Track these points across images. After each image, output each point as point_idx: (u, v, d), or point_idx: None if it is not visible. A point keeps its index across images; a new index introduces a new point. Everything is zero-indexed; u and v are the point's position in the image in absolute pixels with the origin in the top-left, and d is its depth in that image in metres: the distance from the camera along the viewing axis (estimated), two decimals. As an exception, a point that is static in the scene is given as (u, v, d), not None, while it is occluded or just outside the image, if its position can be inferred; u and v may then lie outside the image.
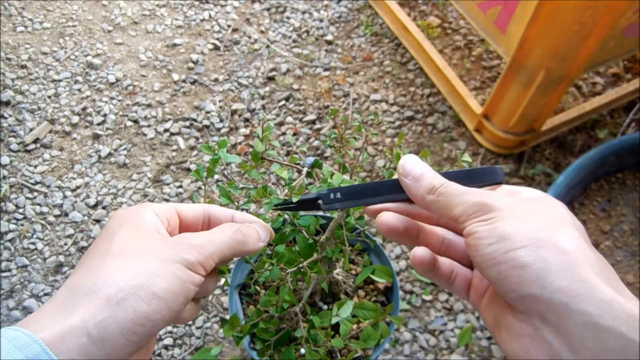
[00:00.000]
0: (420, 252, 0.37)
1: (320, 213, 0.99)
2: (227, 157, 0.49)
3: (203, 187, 0.52)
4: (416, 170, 0.36)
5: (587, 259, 0.28)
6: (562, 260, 0.28)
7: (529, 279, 0.28)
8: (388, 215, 0.37)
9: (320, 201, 0.40)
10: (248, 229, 0.40)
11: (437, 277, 0.37)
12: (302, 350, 0.59)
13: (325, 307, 0.73)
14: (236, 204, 0.50)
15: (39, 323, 0.31)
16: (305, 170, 0.53)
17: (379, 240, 0.82)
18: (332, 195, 0.39)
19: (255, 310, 0.58)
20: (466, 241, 0.32)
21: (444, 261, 0.38)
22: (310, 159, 0.52)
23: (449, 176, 0.36)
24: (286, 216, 0.54)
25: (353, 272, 0.80)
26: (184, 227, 0.41)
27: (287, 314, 0.64)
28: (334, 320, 0.62)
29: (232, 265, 0.70)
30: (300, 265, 0.53)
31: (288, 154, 1.28)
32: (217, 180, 1.22)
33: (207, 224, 0.42)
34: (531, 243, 0.29)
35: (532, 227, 0.30)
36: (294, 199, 0.42)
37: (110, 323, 0.31)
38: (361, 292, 0.79)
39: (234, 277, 0.79)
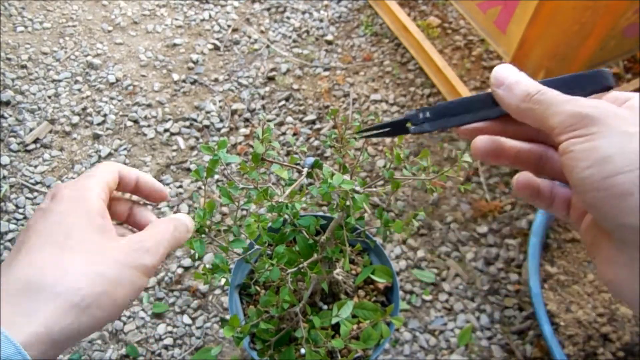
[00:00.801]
0: (523, 177, 0.34)
1: (321, 213, 0.99)
2: (227, 157, 0.48)
3: (203, 187, 0.52)
4: (510, 78, 0.33)
5: None
6: None
7: (629, 208, 0.25)
8: (482, 139, 0.34)
9: (408, 124, 0.38)
10: (182, 224, 0.41)
11: (538, 200, 0.35)
12: (302, 351, 0.59)
13: (325, 307, 0.73)
14: (237, 203, 0.50)
15: (3, 322, 0.30)
16: (305, 170, 0.53)
17: (379, 240, 0.82)
18: (420, 115, 0.37)
19: (255, 310, 0.59)
20: (561, 159, 0.29)
21: (544, 182, 0.35)
22: (311, 160, 0.52)
23: (549, 84, 0.32)
24: (286, 216, 0.54)
25: (353, 272, 0.80)
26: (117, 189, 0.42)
27: (287, 314, 0.64)
28: (334, 321, 0.62)
29: (232, 265, 0.70)
30: (301, 265, 0.53)
31: (288, 154, 1.28)
32: (217, 180, 1.22)
33: (118, 184, 0.42)
34: (635, 167, 0.25)
35: (637, 148, 0.26)
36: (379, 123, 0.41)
37: (74, 329, 0.32)
38: (361, 292, 0.79)
39: (234, 277, 0.79)
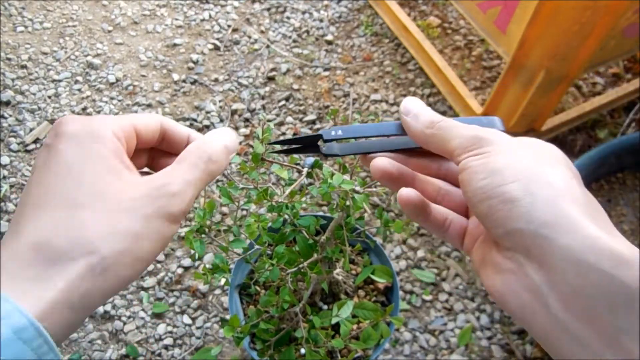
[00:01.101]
0: (406, 191, 0.36)
1: (321, 213, 0.98)
2: None
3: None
4: (417, 108, 0.36)
5: (576, 196, 0.28)
6: (551, 194, 0.28)
7: (517, 213, 0.28)
8: (382, 160, 0.37)
9: (320, 142, 0.39)
10: (217, 152, 0.35)
11: (428, 223, 0.37)
12: (303, 350, 0.59)
13: (325, 307, 0.73)
14: (237, 203, 0.50)
15: (18, 284, 0.27)
16: (305, 170, 0.53)
17: (379, 240, 0.82)
18: (333, 132, 0.38)
19: (255, 310, 0.58)
20: (460, 177, 0.32)
21: (438, 208, 0.37)
22: (311, 160, 0.52)
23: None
24: (286, 216, 0.54)
25: (353, 272, 0.80)
26: (140, 143, 0.35)
27: (287, 314, 0.64)
28: (334, 321, 0.62)
29: (232, 265, 0.70)
30: (301, 265, 0.53)
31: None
32: (218, 180, 1.22)
33: (162, 139, 0.37)
34: (522, 178, 0.29)
35: (525, 163, 0.30)
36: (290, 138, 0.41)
37: (94, 293, 0.28)
38: (361, 292, 0.79)
39: (234, 277, 0.78)
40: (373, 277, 0.78)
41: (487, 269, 0.32)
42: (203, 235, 0.49)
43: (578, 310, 0.26)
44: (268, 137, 0.48)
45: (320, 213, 1.00)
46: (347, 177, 0.51)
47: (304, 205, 0.52)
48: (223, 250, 0.50)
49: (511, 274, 0.29)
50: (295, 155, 0.57)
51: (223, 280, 0.48)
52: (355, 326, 0.71)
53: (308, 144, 0.40)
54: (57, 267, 0.28)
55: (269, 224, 0.52)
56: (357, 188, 0.51)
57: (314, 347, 0.57)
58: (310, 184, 0.56)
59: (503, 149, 0.31)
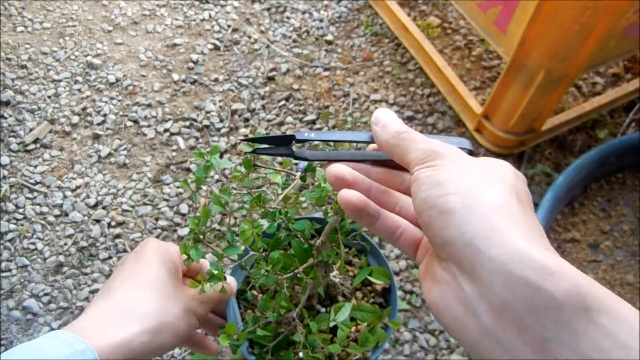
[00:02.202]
0: (347, 192, 0.37)
1: (317, 215, 0.98)
2: (220, 163, 0.48)
3: (193, 194, 0.52)
4: (387, 119, 0.37)
5: (511, 213, 0.29)
6: (486, 209, 0.29)
7: (452, 224, 0.29)
8: (338, 166, 0.38)
9: (293, 143, 0.40)
10: (229, 289, 0.53)
11: (376, 229, 0.38)
12: (301, 354, 0.59)
13: (323, 309, 0.73)
14: (229, 210, 0.50)
15: (91, 331, 0.41)
16: (298, 174, 0.52)
17: (375, 241, 0.82)
18: (306, 135, 0.39)
19: (252, 316, 0.58)
20: (411, 188, 0.33)
21: (390, 216, 0.38)
22: (304, 164, 0.52)
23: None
24: (280, 221, 0.53)
25: (350, 273, 0.80)
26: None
27: (285, 318, 0.64)
28: (331, 324, 0.62)
29: (228, 272, 0.70)
30: (297, 270, 0.53)
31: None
32: (217, 180, 1.22)
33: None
34: (462, 191, 0.30)
35: (468, 178, 0.31)
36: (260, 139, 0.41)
37: (148, 345, 0.43)
38: (359, 294, 0.79)
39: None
40: (370, 278, 0.78)
41: (427, 280, 0.33)
42: (199, 244, 0.49)
43: (507, 321, 0.27)
44: (245, 148, 0.48)
45: (316, 215, 1.00)
46: None
47: (304, 205, 0.52)
48: (218, 257, 0.50)
49: (446, 285, 0.30)
50: (288, 160, 0.57)
51: (219, 288, 0.48)
52: (353, 328, 0.71)
53: (281, 144, 0.40)
54: (126, 320, 0.43)
55: (263, 230, 0.51)
56: None
57: (311, 353, 0.57)
58: (305, 187, 0.56)
59: (451, 163, 0.32)
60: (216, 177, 1.23)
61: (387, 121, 0.37)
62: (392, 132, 0.36)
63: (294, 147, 0.40)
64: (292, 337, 0.63)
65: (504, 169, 0.33)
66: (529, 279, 0.26)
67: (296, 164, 1.26)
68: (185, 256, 0.48)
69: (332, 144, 0.43)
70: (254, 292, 0.75)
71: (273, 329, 0.60)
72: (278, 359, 0.63)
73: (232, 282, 0.55)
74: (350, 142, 0.39)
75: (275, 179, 0.50)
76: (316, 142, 0.41)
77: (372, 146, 0.41)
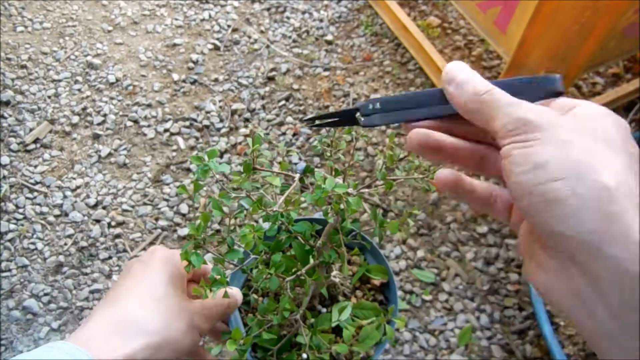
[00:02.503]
0: (442, 174, 0.34)
1: (316, 216, 0.98)
2: (218, 167, 0.48)
3: (192, 196, 0.52)
4: (461, 75, 0.32)
5: (629, 196, 0.25)
6: (600, 196, 0.25)
7: (562, 216, 0.26)
8: (418, 132, 0.34)
9: (358, 114, 0.37)
10: (234, 304, 0.54)
11: (471, 201, 0.35)
12: (305, 355, 0.59)
13: (324, 310, 0.73)
14: (229, 215, 0.50)
15: (95, 344, 0.41)
16: (297, 176, 0.52)
17: (376, 240, 0.82)
18: (370, 106, 0.37)
19: (256, 320, 0.58)
20: (502, 163, 0.29)
21: (481, 185, 0.35)
22: (302, 165, 0.52)
23: (501, 85, 0.32)
24: (281, 224, 0.53)
25: (350, 272, 0.80)
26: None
27: (287, 320, 0.64)
28: (334, 324, 0.62)
29: (228, 276, 0.70)
30: (299, 272, 0.53)
31: (288, 153, 1.28)
32: (218, 180, 1.22)
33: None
34: (569, 175, 0.26)
35: (574, 156, 0.26)
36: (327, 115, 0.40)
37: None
38: (359, 293, 0.79)
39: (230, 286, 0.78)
40: (368, 274, 0.78)
41: (531, 262, 0.30)
42: (199, 249, 0.49)
43: (626, 324, 0.25)
44: (258, 148, 0.48)
45: (316, 216, 1.00)
46: (339, 179, 0.51)
47: (303, 205, 0.52)
48: (219, 262, 0.49)
49: (555, 274, 0.28)
50: (296, 153, 0.57)
51: (222, 293, 0.48)
52: (356, 326, 0.71)
53: (345, 118, 0.39)
54: (130, 334, 0.43)
55: (264, 233, 0.51)
56: (351, 190, 0.51)
57: (317, 354, 0.57)
58: (305, 188, 0.56)
59: (550, 137, 0.27)
60: (217, 176, 1.23)
61: (462, 78, 0.32)
62: (469, 93, 0.31)
63: (361, 117, 0.38)
64: (294, 339, 0.63)
65: (612, 126, 0.28)
66: None
67: (296, 164, 1.26)
68: (186, 262, 0.48)
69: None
70: (255, 296, 0.75)
71: (276, 331, 0.60)
72: None
73: (236, 293, 0.54)
74: (425, 115, 0.35)
75: (273, 182, 0.49)
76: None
77: None
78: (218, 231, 1.17)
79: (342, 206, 0.49)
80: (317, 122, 0.40)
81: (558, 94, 0.33)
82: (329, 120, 0.40)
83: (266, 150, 0.51)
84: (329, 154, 0.56)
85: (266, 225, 0.51)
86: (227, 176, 1.22)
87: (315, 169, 0.51)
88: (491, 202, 0.35)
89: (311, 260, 0.56)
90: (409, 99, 0.35)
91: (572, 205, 0.25)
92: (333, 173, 0.54)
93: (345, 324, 0.62)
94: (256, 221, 0.58)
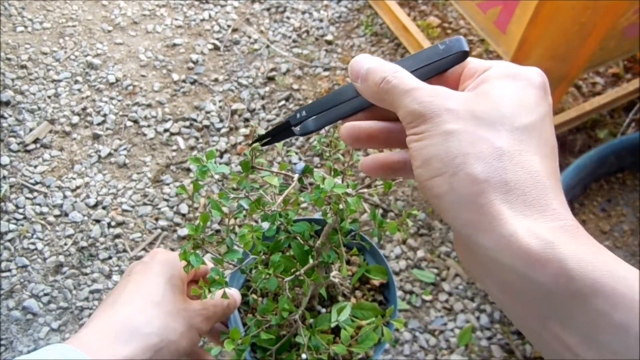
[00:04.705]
0: (364, 161, 0.36)
1: (316, 216, 0.98)
2: (216, 168, 0.48)
3: (192, 196, 0.52)
4: (363, 69, 0.32)
5: (500, 186, 0.26)
6: (472, 191, 0.26)
7: (443, 210, 0.28)
8: (345, 127, 0.35)
9: (293, 127, 0.39)
10: (233, 304, 0.54)
11: (396, 174, 0.36)
12: (304, 356, 0.59)
13: (323, 310, 0.73)
14: (227, 216, 0.50)
15: (94, 346, 0.41)
16: (296, 176, 0.52)
17: (374, 240, 0.82)
18: (298, 115, 0.38)
19: (255, 320, 0.58)
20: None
21: (402, 155, 0.36)
22: (301, 165, 0.52)
23: (407, 61, 0.33)
24: (280, 224, 0.53)
25: (349, 272, 0.80)
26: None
27: (287, 320, 0.64)
28: (333, 325, 0.62)
29: (227, 276, 0.71)
30: (298, 273, 0.53)
31: (288, 153, 1.28)
32: (218, 180, 1.22)
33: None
34: (446, 171, 0.27)
35: (453, 150, 0.27)
36: (261, 134, 0.42)
37: None
38: (358, 293, 0.79)
39: (229, 286, 0.78)
40: (368, 275, 0.78)
41: (454, 236, 0.33)
42: (198, 249, 0.49)
43: (511, 297, 0.27)
44: (257, 147, 0.48)
45: (315, 216, 1.00)
46: (339, 180, 0.51)
47: (303, 205, 0.52)
48: (218, 262, 0.49)
49: (462, 252, 0.30)
50: (295, 153, 0.57)
51: (220, 293, 0.47)
52: (355, 327, 0.71)
53: (282, 132, 0.40)
54: (129, 337, 0.43)
55: (263, 233, 0.51)
56: (349, 190, 0.50)
57: (316, 354, 0.57)
58: (304, 188, 0.56)
59: (436, 130, 0.28)
60: (217, 176, 1.23)
61: (364, 72, 0.32)
62: (373, 86, 0.31)
63: (297, 128, 0.39)
64: (294, 339, 0.63)
65: (509, 98, 0.28)
66: (515, 268, 0.25)
67: (295, 164, 1.26)
68: (185, 262, 0.48)
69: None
70: (254, 296, 0.75)
71: (275, 331, 0.60)
72: None
73: (235, 294, 0.55)
74: (348, 117, 0.36)
75: (272, 182, 0.49)
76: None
77: None
78: (218, 231, 1.17)
79: (341, 206, 0.49)
80: (262, 142, 0.43)
81: (465, 54, 0.33)
82: (269, 138, 0.42)
83: (261, 158, 0.51)
84: (327, 154, 0.56)
85: (265, 226, 0.51)
86: (227, 176, 1.22)
87: (315, 169, 0.51)
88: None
89: (310, 261, 0.56)
90: (330, 99, 0.36)
91: (449, 200, 0.27)
92: (332, 173, 0.54)
93: (344, 324, 0.62)
94: (256, 221, 0.58)
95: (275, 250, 0.55)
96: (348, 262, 0.81)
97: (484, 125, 0.27)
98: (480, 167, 0.26)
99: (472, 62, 0.33)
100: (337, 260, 0.56)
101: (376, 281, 0.79)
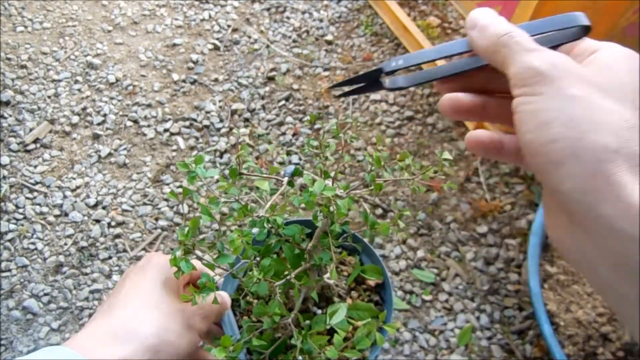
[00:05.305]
0: (474, 135, 0.33)
1: (307, 218, 0.98)
2: (205, 173, 0.48)
3: (189, 203, 0.52)
4: (484, 20, 0.31)
5: (630, 158, 0.25)
6: (600, 159, 0.25)
7: (561, 177, 0.26)
8: (448, 97, 0.34)
9: (382, 77, 0.36)
10: (226, 304, 0.55)
11: (504, 158, 0.34)
12: (300, 358, 0.59)
13: (319, 311, 0.73)
14: (217, 215, 0.50)
15: (90, 349, 0.41)
16: (285, 179, 0.52)
17: (367, 241, 0.82)
18: (393, 63, 0.35)
19: (248, 324, 0.58)
20: (513, 119, 0.28)
21: (513, 139, 0.34)
22: (291, 168, 0.52)
23: (527, 27, 0.31)
24: (270, 227, 0.53)
25: (345, 273, 0.80)
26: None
27: (281, 323, 0.64)
28: (328, 327, 0.62)
29: (220, 280, 0.70)
30: (289, 277, 0.53)
31: (288, 154, 1.28)
32: (217, 181, 1.22)
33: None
34: (569, 136, 0.26)
35: (578, 114, 0.26)
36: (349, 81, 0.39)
37: None
38: (354, 294, 0.79)
39: (223, 290, 0.78)
40: (364, 275, 0.78)
41: (548, 217, 0.30)
42: (189, 255, 0.49)
43: (625, 276, 0.25)
44: (244, 154, 0.48)
45: (307, 218, 1.01)
46: (329, 182, 0.51)
47: (287, 215, 0.52)
48: (209, 267, 0.49)
49: (564, 229, 0.28)
50: (275, 165, 0.57)
51: (212, 298, 0.47)
52: (350, 327, 0.71)
53: (369, 81, 0.37)
54: (128, 338, 0.43)
55: (254, 237, 0.51)
56: (340, 192, 0.50)
57: (309, 358, 0.57)
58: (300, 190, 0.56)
59: (557, 92, 0.27)
60: (216, 177, 1.23)
61: (484, 22, 0.31)
62: (491, 37, 0.30)
63: (386, 79, 0.36)
64: (289, 341, 0.63)
65: (627, 76, 0.28)
66: (637, 236, 0.24)
67: (297, 164, 1.26)
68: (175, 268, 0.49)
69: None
70: (248, 299, 0.75)
71: (269, 335, 0.59)
72: None
73: (224, 296, 0.56)
74: (446, 57, 0.33)
75: (262, 186, 0.49)
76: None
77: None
78: (216, 230, 1.17)
79: (331, 209, 0.49)
80: (345, 88, 0.39)
81: (586, 29, 0.32)
82: (354, 86, 0.38)
83: (249, 160, 0.50)
84: (318, 157, 0.55)
85: (256, 230, 0.51)
86: (226, 177, 1.22)
87: (305, 172, 0.51)
88: (500, 146, 0.34)
89: (302, 264, 0.56)
90: (433, 52, 0.34)
91: (571, 166, 0.26)
92: (322, 175, 0.54)
93: (338, 327, 0.62)
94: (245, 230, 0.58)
95: (265, 254, 0.54)
96: (343, 263, 0.81)
97: (610, 97, 0.27)
98: (610, 136, 0.25)
99: (584, 42, 0.32)
100: (330, 262, 0.55)
101: (372, 281, 0.79)
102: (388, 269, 1.12)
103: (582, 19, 0.32)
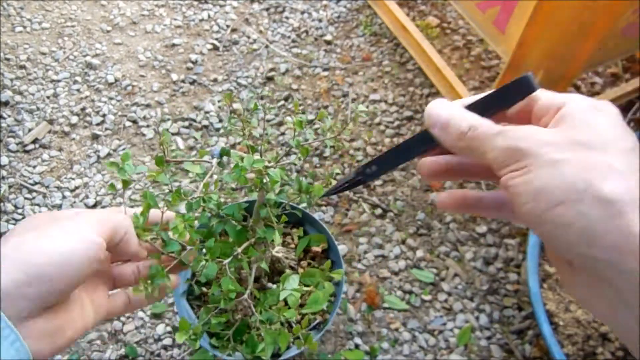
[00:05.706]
0: (441, 197, 0.35)
1: (246, 199, 0.99)
2: (134, 168, 0.50)
3: (123, 202, 0.52)
4: (442, 117, 0.32)
5: (634, 203, 0.25)
6: (606, 214, 0.25)
7: (575, 239, 0.25)
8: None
9: (360, 178, 0.40)
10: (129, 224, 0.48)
11: (483, 211, 0.35)
12: (263, 333, 0.59)
13: (274, 286, 0.73)
14: (160, 208, 0.51)
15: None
16: (215, 160, 0.54)
17: (304, 206, 0.82)
18: (367, 171, 0.38)
19: (204, 309, 0.59)
20: (507, 195, 0.29)
21: (489, 194, 0.34)
22: (217, 149, 0.53)
23: (478, 106, 0.32)
24: (210, 209, 0.54)
25: (292, 246, 0.82)
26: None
27: (239, 303, 0.64)
28: (282, 296, 0.63)
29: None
30: (236, 252, 0.54)
31: (288, 154, 1.28)
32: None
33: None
34: (568, 197, 0.25)
35: (570, 175, 0.26)
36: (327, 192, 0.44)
37: (29, 290, 0.36)
38: (304, 263, 0.82)
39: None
40: (310, 245, 0.81)
41: (563, 276, 0.30)
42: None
43: None
44: (166, 140, 0.49)
45: (246, 199, 1.03)
46: (257, 155, 0.52)
47: (222, 198, 0.53)
48: (156, 257, 0.50)
49: (585, 288, 0.28)
50: (203, 148, 0.59)
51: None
52: (305, 294, 0.72)
53: (351, 184, 0.41)
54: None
55: (196, 222, 0.52)
56: (269, 164, 0.51)
57: (269, 326, 0.57)
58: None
59: (542, 161, 0.27)
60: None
61: (443, 120, 0.31)
62: (455, 135, 0.31)
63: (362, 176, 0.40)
64: (250, 320, 0.64)
65: (601, 126, 0.28)
66: None
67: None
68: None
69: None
70: (203, 288, 0.76)
71: (227, 317, 0.60)
72: (242, 344, 0.64)
73: (175, 279, 0.51)
74: (417, 156, 0.35)
75: (194, 170, 0.51)
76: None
77: None
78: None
79: (265, 180, 0.50)
80: (333, 193, 0.44)
81: (533, 91, 0.32)
82: (340, 188, 0.42)
83: (175, 149, 0.52)
84: (241, 133, 0.58)
85: (197, 215, 0.52)
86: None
87: (232, 150, 0.53)
88: (504, 207, 0.34)
89: (247, 239, 0.57)
90: (401, 151, 0.36)
91: (582, 226, 0.25)
92: (249, 151, 0.55)
93: (291, 291, 0.64)
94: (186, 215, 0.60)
95: (209, 236, 0.55)
96: (289, 235, 0.83)
97: (592, 150, 0.27)
98: (609, 187, 0.25)
99: (543, 98, 0.32)
100: (273, 233, 0.57)
101: (318, 248, 0.82)
102: (387, 269, 1.12)
103: (531, 82, 0.31)
